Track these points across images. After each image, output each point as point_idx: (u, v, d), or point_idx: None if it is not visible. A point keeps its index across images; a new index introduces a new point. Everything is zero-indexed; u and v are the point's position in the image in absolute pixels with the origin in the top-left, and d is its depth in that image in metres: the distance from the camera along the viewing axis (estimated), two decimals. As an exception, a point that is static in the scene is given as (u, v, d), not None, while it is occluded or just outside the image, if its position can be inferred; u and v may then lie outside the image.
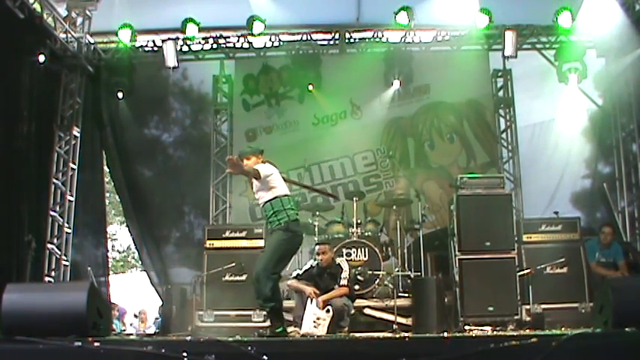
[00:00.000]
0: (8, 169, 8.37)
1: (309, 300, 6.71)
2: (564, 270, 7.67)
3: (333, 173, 10.09)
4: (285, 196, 5.96)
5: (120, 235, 19.73)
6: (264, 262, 5.78)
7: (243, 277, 7.98)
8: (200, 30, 9.40)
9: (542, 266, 7.58)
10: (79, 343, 3.83)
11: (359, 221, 8.43)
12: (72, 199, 9.61)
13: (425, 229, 8.72)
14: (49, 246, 9.17)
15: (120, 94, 9.72)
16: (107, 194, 12.44)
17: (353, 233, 8.30)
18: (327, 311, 6.62)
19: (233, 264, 7.96)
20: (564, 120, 9.87)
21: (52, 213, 9.34)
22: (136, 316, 12.62)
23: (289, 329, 6.41)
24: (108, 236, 11.98)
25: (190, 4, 9.16)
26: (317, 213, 8.63)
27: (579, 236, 7.92)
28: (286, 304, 7.74)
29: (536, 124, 10.19)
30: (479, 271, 7.49)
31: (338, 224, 8.56)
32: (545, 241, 7.88)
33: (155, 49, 9.91)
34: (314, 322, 6.59)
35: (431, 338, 5.27)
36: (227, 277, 8.01)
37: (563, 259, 7.64)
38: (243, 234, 8.24)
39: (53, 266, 9.17)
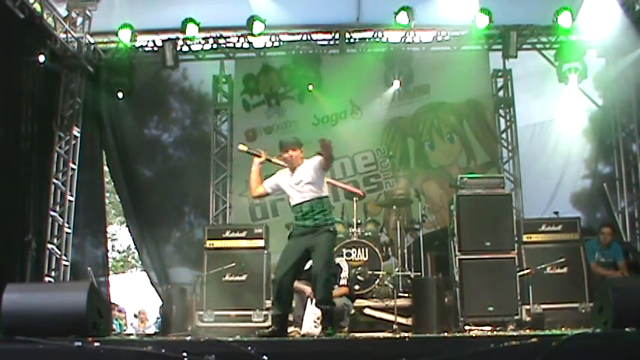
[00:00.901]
0: (8, 169, 8.37)
1: (309, 300, 6.71)
2: (564, 270, 7.65)
3: (333, 173, 10.06)
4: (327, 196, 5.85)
5: (120, 235, 19.76)
6: (325, 263, 5.52)
7: (243, 277, 7.98)
8: (200, 30, 9.39)
9: (542, 266, 7.55)
10: (79, 343, 3.83)
11: (359, 221, 8.43)
12: (72, 199, 9.61)
13: (425, 229, 8.72)
14: (49, 246, 9.16)
15: (120, 94, 9.70)
16: (107, 194, 12.44)
17: (353, 233, 8.30)
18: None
19: (233, 264, 7.94)
20: (564, 120, 9.87)
21: (52, 213, 9.33)
22: (135, 316, 12.63)
23: (289, 329, 6.41)
24: (108, 236, 11.98)
25: (190, 4, 9.15)
26: (317, 213, 8.62)
27: (579, 236, 7.89)
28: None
29: (536, 124, 10.19)
30: (479, 271, 7.49)
31: (338, 224, 8.51)
32: (545, 241, 7.86)
33: (155, 49, 9.91)
34: (314, 321, 6.58)
35: (431, 338, 5.27)
36: (227, 277, 7.99)
37: (563, 259, 7.61)
38: (243, 234, 8.22)
39: (53, 266, 9.17)
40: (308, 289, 6.80)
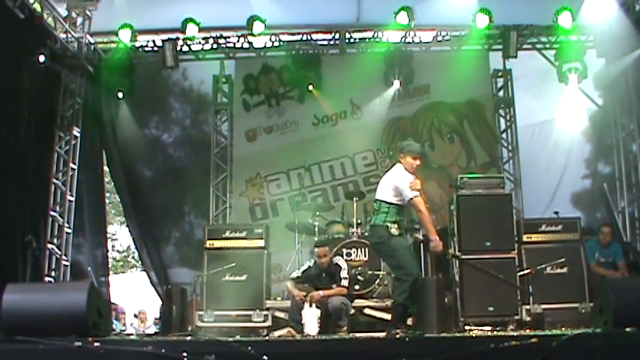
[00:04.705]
0: (8, 169, 8.37)
1: (305, 303, 6.73)
2: (564, 270, 7.64)
3: (333, 173, 10.08)
4: None
5: (120, 235, 19.74)
6: None
7: (243, 277, 7.97)
8: (200, 30, 9.39)
9: (542, 266, 7.56)
10: (79, 343, 3.83)
11: (359, 221, 8.42)
12: (72, 199, 9.61)
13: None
14: (49, 246, 9.18)
15: (120, 94, 9.70)
16: (107, 194, 12.44)
17: (353, 233, 8.30)
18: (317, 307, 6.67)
19: (233, 264, 7.94)
20: (564, 120, 9.85)
21: (52, 213, 9.34)
22: (136, 316, 12.61)
23: (285, 330, 6.47)
24: (108, 236, 11.97)
25: (190, 4, 9.14)
26: (317, 213, 8.64)
27: (579, 236, 7.88)
28: (283, 304, 7.80)
29: (536, 124, 10.18)
30: (479, 271, 7.48)
31: (338, 224, 8.55)
32: (545, 241, 7.85)
33: (155, 49, 9.91)
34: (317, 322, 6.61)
35: (431, 338, 5.27)
36: (227, 277, 7.98)
37: (563, 259, 7.61)
38: (243, 234, 8.22)
39: (53, 266, 9.18)
40: (302, 294, 6.83)
